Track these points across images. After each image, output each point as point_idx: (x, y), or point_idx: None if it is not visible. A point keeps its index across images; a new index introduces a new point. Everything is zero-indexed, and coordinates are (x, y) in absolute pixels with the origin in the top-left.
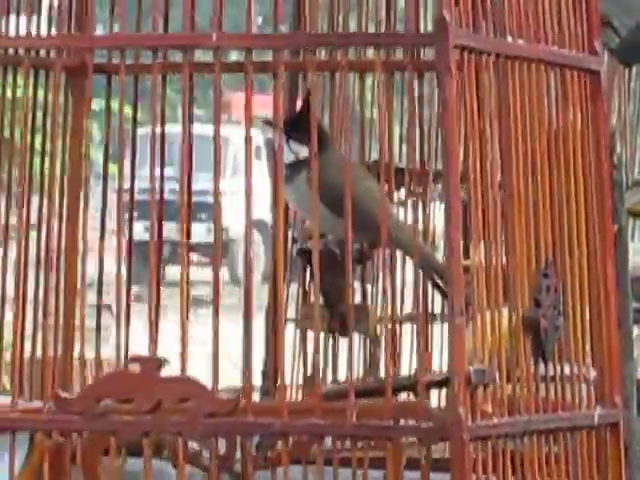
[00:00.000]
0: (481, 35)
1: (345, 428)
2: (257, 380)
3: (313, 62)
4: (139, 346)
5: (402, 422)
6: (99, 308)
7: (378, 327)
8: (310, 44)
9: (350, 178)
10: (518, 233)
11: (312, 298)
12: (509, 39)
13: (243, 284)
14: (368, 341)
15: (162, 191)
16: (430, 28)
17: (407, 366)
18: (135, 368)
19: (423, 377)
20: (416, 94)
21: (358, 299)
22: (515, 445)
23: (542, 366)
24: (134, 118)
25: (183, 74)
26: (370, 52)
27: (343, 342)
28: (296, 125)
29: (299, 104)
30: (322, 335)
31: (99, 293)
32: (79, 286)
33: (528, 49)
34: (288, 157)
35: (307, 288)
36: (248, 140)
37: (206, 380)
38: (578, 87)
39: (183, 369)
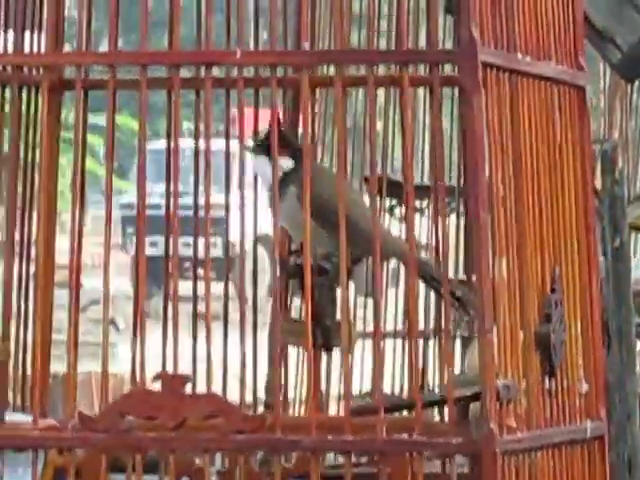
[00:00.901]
0: (499, 51)
1: (375, 444)
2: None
3: (341, 78)
4: (150, 362)
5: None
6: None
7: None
8: (335, 60)
9: (337, 191)
10: (530, 248)
11: (293, 313)
12: (519, 55)
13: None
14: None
15: (168, 206)
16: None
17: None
18: (158, 385)
19: (452, 393)
20: (422, 108)
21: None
22: (531, 460)
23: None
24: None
25: (206, 90)
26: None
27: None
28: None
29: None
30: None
31: (105, 308)
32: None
33: (534, 65)
34: (266, 175)
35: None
36: (275, 165)
37: None
38: (569, 102)
39: (209, 385)
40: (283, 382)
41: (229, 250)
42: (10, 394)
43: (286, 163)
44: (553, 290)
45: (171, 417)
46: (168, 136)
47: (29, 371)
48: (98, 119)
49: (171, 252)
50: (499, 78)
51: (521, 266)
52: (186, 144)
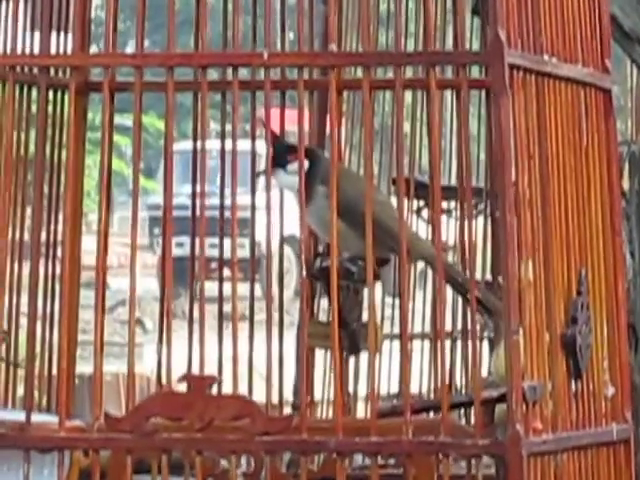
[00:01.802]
0: (526, 54)
1: (402, 445)
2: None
3: (369, 80)
4: (176, 361)
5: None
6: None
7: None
8: (362, 63)
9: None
10: (555, 250)
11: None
12: (546, 57)
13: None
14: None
15: (194, 207)
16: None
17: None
18: (185, 386)
19: (480, 394)
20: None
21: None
22: (557, 462)
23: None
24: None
25: (233, 92)
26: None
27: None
28: (280, 153)
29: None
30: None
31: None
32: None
33: (561, 67)
34: (296, 183)
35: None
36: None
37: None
38: (595, 105)
39: (235, 387)
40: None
41: (255, 251)
42: (36, 395)
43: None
44: (579, 293)
45: (198, 418)
46: (194, 138)
47: (54, 372)
48: (125, 119)
49: (197, 253)
50: (526, 80)
51: (547, 268)
52: (213, 145)
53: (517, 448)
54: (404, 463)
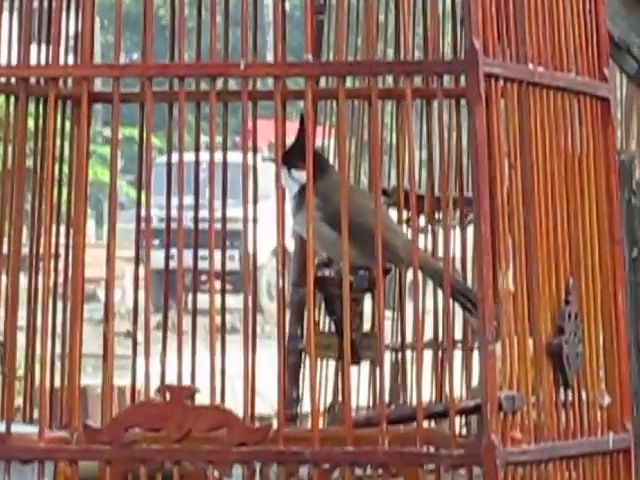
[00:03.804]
0: (506, 63)
1: (377, 456)
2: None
3: (344, 90)
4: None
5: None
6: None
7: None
8: (341, 72)
9: (362, 202)
10: (540, 259)
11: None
12: (530, 66)
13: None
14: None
15: (181, 219)
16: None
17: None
18: (164, 397)
19: (455, 404)
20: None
21: (367, 327)
22: (540, 472)
23: (562, 392)
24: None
25: (210, 102)
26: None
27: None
28: (295, 154)
29: (297, 131)
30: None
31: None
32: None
33: (548, 76)
34: (293, 187)
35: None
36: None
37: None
38: (591, 113)
39: (212, 398)
40: (298, 394)
41: (248, 263)
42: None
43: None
44: (567, 302)
45: (176, 429)
46: (170, 150)
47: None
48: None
49: (176, 264)
50: (506, 89)
51: (530, 278)
52: (204, 157)
53: (492, 458)
54: (383, 474)
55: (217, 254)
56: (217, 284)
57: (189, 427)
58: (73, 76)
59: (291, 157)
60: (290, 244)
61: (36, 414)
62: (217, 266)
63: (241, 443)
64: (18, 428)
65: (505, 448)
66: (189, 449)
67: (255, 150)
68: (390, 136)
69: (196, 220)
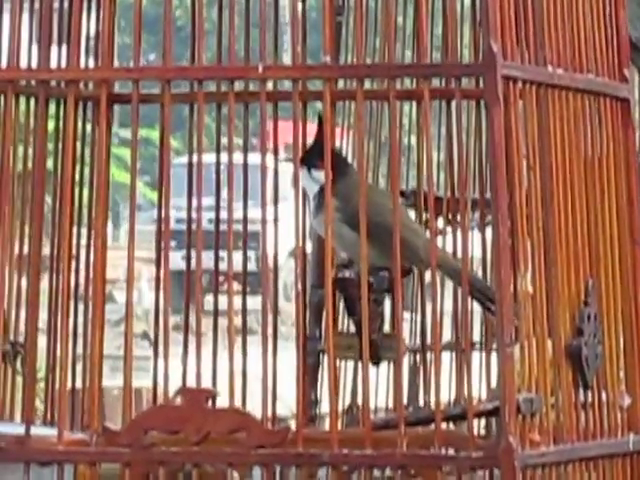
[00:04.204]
0: (525, 65)
1: (395, 458)
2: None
3: (362, 92)
4: (180, 375)
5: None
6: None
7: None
8: (359, 75)
9: (381, 202)
10: (559, 261)
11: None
12: (549, 68)
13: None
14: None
15: (200, 220)
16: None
17: (445, 394)
18: (182, 400)
19: (473, 406)
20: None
21: (388, 328)
22: (559, 473)
23: (582, 394)
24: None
25: (229, 104)
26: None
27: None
28: (315, 154)
29: (317, 131)
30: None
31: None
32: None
33: (567, 78)
34: (313, 188)
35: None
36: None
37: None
38: (611, 114)
39: (231, 400)
40: (316, 396)
41: (266, 264)
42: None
43: (323, 176)
44: (586, 303)
45: (194, 431)
46: (191, 151)
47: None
48: (128, 133)
49: (194, 265)
50: (525, 91)
51: (549, 280)
52: (224, 159)
53: (510, 460)
54: (401, 476)
55: (236, 255)
56: (235, 285)
57: (208, 430)
58: (92, 79)
59: (311, 157)
60: (308, 245)
61: (57, 416)
62: (236, 267)
63: (260, 445)
64: (38, 430)
65: (523, 450)
66: (208, 451)
67: (276, 151)
68: (409, 137)
69: (217, 221)
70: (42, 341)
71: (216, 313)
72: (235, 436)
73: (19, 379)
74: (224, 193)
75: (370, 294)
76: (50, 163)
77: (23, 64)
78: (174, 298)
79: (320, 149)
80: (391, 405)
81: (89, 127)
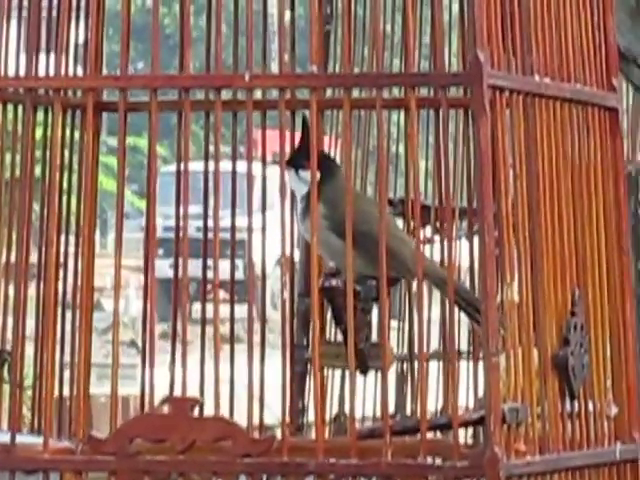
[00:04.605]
0: (512, 74)
1: (381, 467)
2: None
3: (349, 101)
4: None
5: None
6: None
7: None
8: (347, 84)
9: (368, 210)
10: (546, 270)
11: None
12: (537, 77)
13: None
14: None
15: (186, 228)
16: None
17: (433, 403)
18: (168, 408)
19: (458, 416)
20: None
21: (375, 337)
22: None
23: (568, 403)
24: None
25: (216, 113)
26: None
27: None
28: (302, 155)
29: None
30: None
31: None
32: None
33: (555, 87)
34: (301, 189)
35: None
36: (283, 183)
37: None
38: (599, 124)
39: (216, 409)
40: (303, 404)
41: (252, 273)
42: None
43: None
44: (573, 313)
45: (180, 440)
46: (179, 159)
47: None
48: (116, 141)
49: (180, 274)
50: (512, 100)
51: (536, 289)
52: (212, 167)
53: (495, 470)
54: None
55: (222, 264)
56: (222, 294)
57: (193, 438)
58: (79, 87)
59: (298, 158)
60: (295, 254)
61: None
62: (222, 276)
63: (245, 454)
64: (24, 438)
65: (509, 460)
66: (194, 460)
67: (264, 160)
68: (397, 146)
69: (205, 229)
70: (29, 349)
71: (203, 321)
72: (221, 445)
73: (6, 387)
74: (212, 201)
75: (358, 303)
76: (38, 171)
77: (11, 72)
78: (161, 306)
79: (307, 149)
80: (379, 414)
81: (77, 135)
